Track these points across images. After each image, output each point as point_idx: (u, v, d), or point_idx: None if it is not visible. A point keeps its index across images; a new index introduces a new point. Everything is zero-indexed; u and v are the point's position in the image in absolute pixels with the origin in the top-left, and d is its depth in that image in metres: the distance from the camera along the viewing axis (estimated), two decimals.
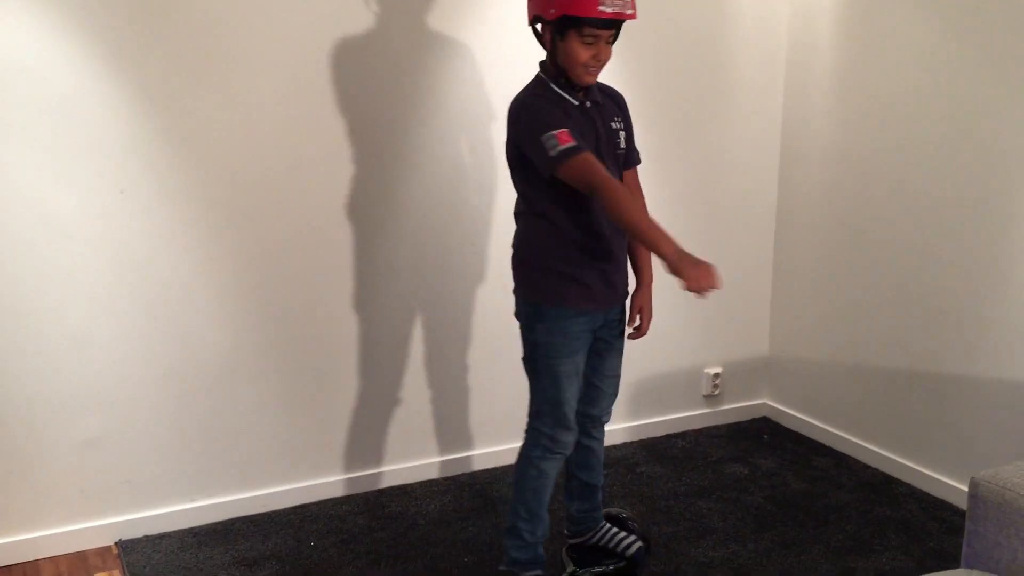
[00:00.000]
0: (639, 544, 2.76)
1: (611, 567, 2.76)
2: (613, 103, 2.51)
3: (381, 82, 3.11)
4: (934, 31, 3.13)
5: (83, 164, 2.78)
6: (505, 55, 3.25)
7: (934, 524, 3.10)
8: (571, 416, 2.52)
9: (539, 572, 2.61)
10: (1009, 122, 2.92)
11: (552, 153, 2.24)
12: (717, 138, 3.72)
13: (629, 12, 2.26)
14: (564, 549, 2.83)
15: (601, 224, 2.41)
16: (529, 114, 2.32)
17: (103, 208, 2.83)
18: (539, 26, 2.37)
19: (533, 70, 2.46)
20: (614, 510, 2.93)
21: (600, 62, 2.32)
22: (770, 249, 3.96)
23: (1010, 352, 3.00)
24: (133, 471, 3.01)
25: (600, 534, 2.79)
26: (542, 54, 2.42)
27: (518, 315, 2.54)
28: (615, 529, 2.81)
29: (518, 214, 2.50)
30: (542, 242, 2.44)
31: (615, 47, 2.40)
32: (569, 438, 2.54)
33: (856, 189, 3.52)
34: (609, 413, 2.71)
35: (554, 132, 2.25)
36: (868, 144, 3.44)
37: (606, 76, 2.51)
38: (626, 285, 2.58)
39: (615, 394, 2.69)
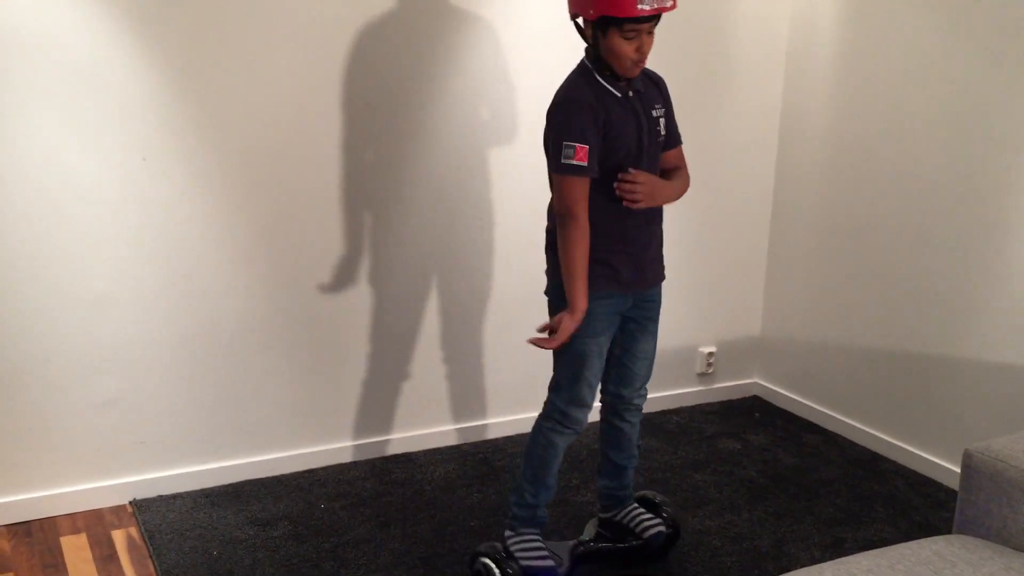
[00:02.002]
0: (659, 528, 2.79)
1: (626, 545, 2.82)
2: (655, 88, 2.54)
3: (401, 55, 3.18)
4: (932, 20, 3.24)
5: (105, 130, 2.84)
6: (525, 34, 3.33)
7: (920, 499, 3.23)
8: (588, 396, 2.58)
9: (535, 532, 2.69)
10: (1002, 111, 3.04)
11: (563, 160, 2.36)
12: (716, 122, 3.82)
13: (668, 4, 2.27)
14: (593, 521, 2.90)
15: (632, 211, 2.47)
16: (564, 114, 2.38)
17: (124, 174, 2.89)
18: (579, 20, 2.41)
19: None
20: (649, 493, 2.96)
21: (644, 54, 2.35)
22: (766, 232, 4.07)
23: (995, 335, 3.13)
24: (148, 432, 3.09)
25: (625, 513, 2.85)
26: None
27: (548, 293, 2.61)
28: (641, 510, 2.84)
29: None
30: (556, 238, 2.48)
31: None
32: (581, 416, 2.60)
33: (851, 174, 3.63)
34: (642, 396, 2.76)
35: (576, 144, 2.34)
36: (864, 130, 3.56)
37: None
38: (660, 270, 2.64)
39: (647, 376, 2.74)
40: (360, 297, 3.32)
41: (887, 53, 3.43)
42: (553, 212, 2.52)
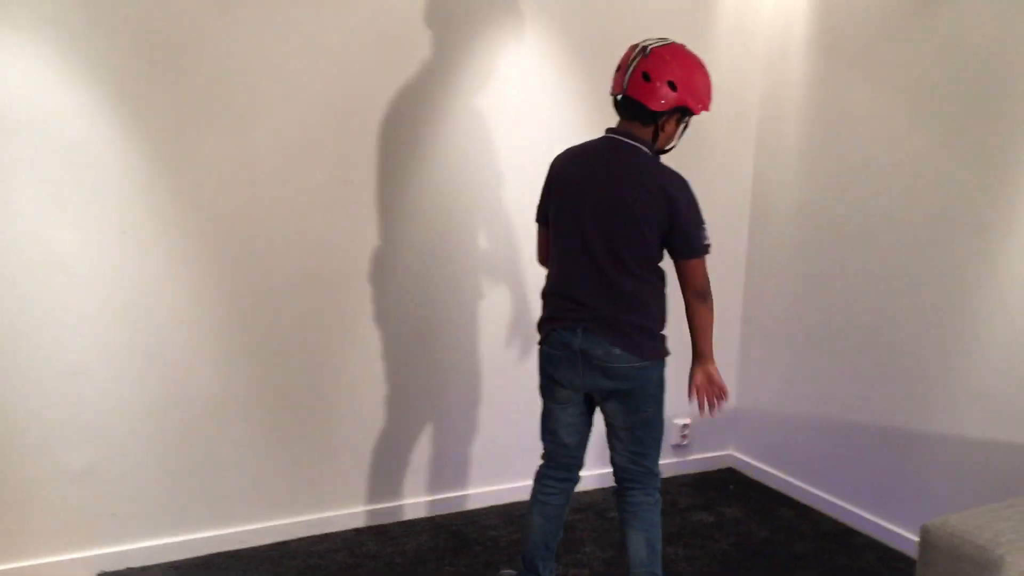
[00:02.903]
0: None
1: None
2: None
3: (376, 132, 3.27)
4: (893, 107, 3.35)
5: (88, 204, 2.90)
6: (502, 103, 3.43)
7: (889, 573, 3.24)
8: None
9: None
10: (960, 190, 3.13)
11: (706, 242, 2.58)
12: None
13: None
14: None
15: None
16: (694, 199, 2.56)
17: (104, 247, 2.94)
18: (665, 115, 2.55)
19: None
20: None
21: None
22: (739, 306, 4.13)
23: (964, 408, 3.18)
24: (119, 504, 3.08)
25: None
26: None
27: (639, 382, 2.62)
28: None
29: (628, 277, 2.55)
30: (663, 304, 2.65)
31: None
32: None
33: (820, 250, 3.71)
34: None
35: (706, 226, 2.59)
36: (832, 209, 3.65)
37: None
38: None
39: None
40: (333, 370, 3.35)
41: (851, 136, 3.54)
42: (638, 294, 2.58)
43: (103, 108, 2.87)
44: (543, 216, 2.72)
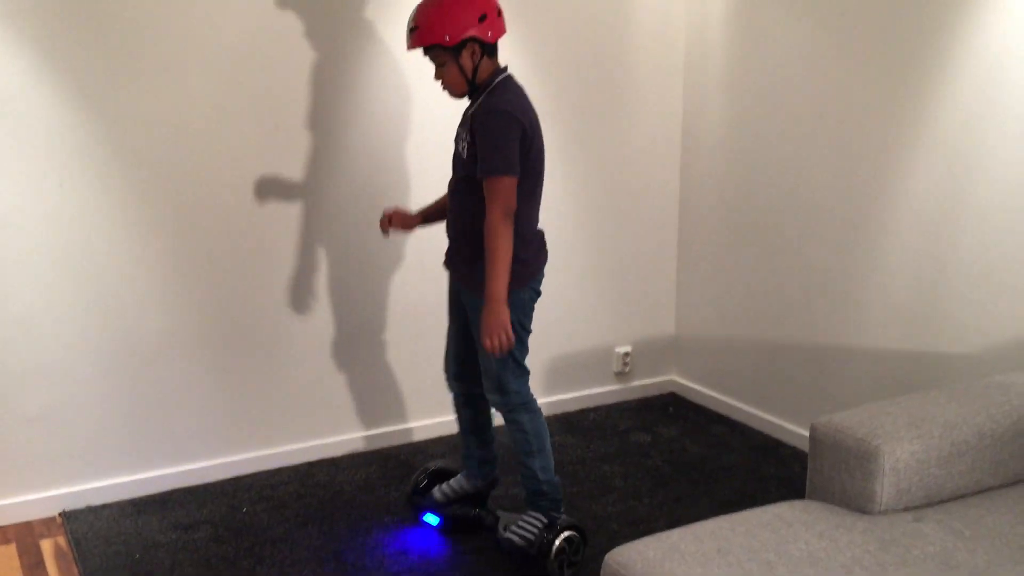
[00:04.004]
0: None
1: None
2: (469, 120, 2.71)
3: (306, 77, 3.37)
4: (808, 36, 3.47)
5: (24, 159, 3.00)
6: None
7: None
8: (449, 368, 3.06)
9: None
10: (874, 114, 3.27)
11: None
12: (622, 132, 4.03)
13: (409, 45, 2.68)
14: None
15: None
16: None
17: (44, 200, 3.05)
18: None
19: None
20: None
21: (441, 82, 2.73)
22: (674, 236, 4.28)
23: (877, 322, 3.35)
24: (76, 446, 3.23)
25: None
26: None
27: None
28: None
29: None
30: None
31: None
32: (450, 384, 3.09)
33: (747, 179, 3.85)
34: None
35: None
36: (756, 137, 3.78)
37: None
38: (458, 262, 2.84)
39: (486, 371, 2.83)
40: (280, 308, 3.49)
41: (771, 65, 3.66)
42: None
43: (29, 63, 2.95)
44: (517, 168, 2.62)
